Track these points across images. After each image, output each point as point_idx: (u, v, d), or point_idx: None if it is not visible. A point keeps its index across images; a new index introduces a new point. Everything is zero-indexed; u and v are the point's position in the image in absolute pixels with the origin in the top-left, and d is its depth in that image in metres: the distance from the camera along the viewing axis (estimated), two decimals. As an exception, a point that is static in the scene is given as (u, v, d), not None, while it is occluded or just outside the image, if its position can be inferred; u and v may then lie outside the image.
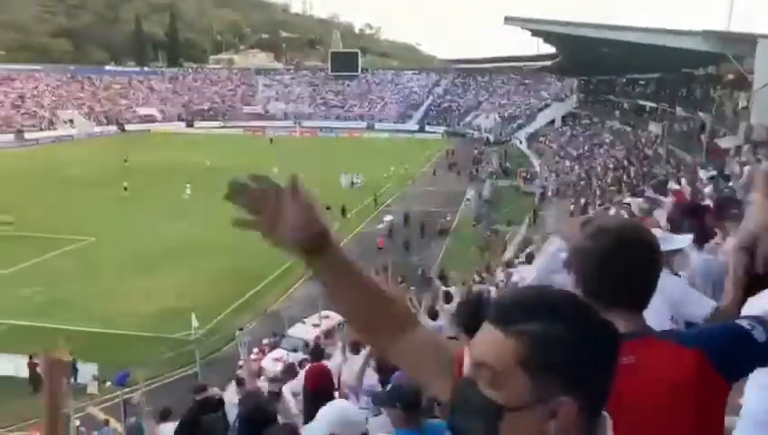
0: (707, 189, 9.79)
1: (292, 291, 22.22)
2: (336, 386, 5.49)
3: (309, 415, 4.19)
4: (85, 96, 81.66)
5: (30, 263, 24.36)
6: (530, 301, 0.84)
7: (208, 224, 29.73)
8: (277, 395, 5.18)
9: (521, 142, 62.74)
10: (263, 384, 6.63)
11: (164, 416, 6.70)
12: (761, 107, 23.01)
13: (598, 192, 29.76)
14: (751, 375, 1.48)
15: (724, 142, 23.93)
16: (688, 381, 1.21)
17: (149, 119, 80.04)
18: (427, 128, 76.81)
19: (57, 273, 23.32)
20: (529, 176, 44.38)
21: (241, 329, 18.37)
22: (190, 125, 80.00)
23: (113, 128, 75.81)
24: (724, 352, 1.25)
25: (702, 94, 37.28)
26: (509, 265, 12.62)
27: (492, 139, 66.28)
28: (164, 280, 22.33)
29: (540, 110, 69.80)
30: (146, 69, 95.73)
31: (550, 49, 61.84)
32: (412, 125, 78.48)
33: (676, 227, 4.36)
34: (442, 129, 75.01)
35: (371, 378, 5.03)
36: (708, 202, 7.08)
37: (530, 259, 11.07)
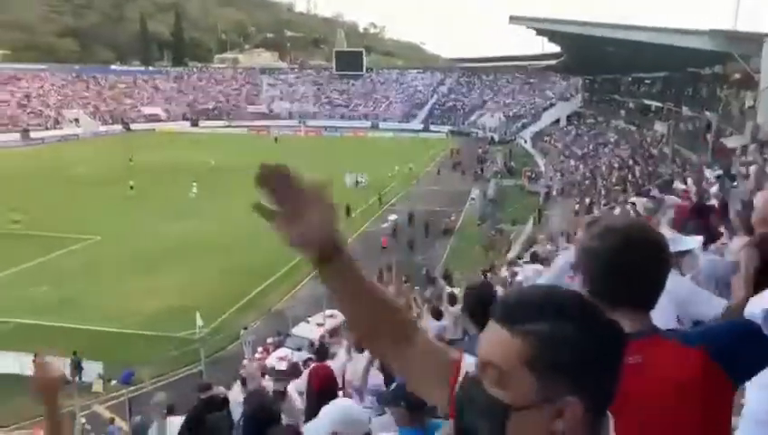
0: (713, 189, 9.76)
1: (296, 290, 22.19)
2: (340, 385, 5.49)
3: (311, 414, 4.19)
4: (90, 95, 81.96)
5: (35, 262, 24.45)
6: (536, 301, 0.84)
7: (213, 223, 29.88)
8: (282, 394, 5.18)
9: (525, 142, 62.61)
10: (267, 383, 6.63)
11: (170, 411, 6.72)
12: (767, 106, 22.92)
13: (603, 192, 29.67)
14: None
15: (731, 142, 23.79)
16: (694, 380, 1.20)
17: (154, 118, 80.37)
18: (432, 127, 76.72)
19: (63, 272, 23.39)
20: (534, 175, 44.29)
21: (245, 328, 18.42)
22: (195, 124, 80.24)
23: (118, 127, 76.10)
24: (731, 351, 1.24)
25: (708, 93, 37.12)
26: (513, 264, 12.60)
27: (496, 138, 66.23)
28: (169, 279, 22.37)
29: (545, 109, 69.57)
30: (151, 68, 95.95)
31: (555, 48, 61.78)
32: (416, 124, 78.41)
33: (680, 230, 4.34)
34: (446, 128, 74.98)
35: (376, 377, 5.01)
36: (714, 202, 7.06)
37: (534, 258, 11.06)
